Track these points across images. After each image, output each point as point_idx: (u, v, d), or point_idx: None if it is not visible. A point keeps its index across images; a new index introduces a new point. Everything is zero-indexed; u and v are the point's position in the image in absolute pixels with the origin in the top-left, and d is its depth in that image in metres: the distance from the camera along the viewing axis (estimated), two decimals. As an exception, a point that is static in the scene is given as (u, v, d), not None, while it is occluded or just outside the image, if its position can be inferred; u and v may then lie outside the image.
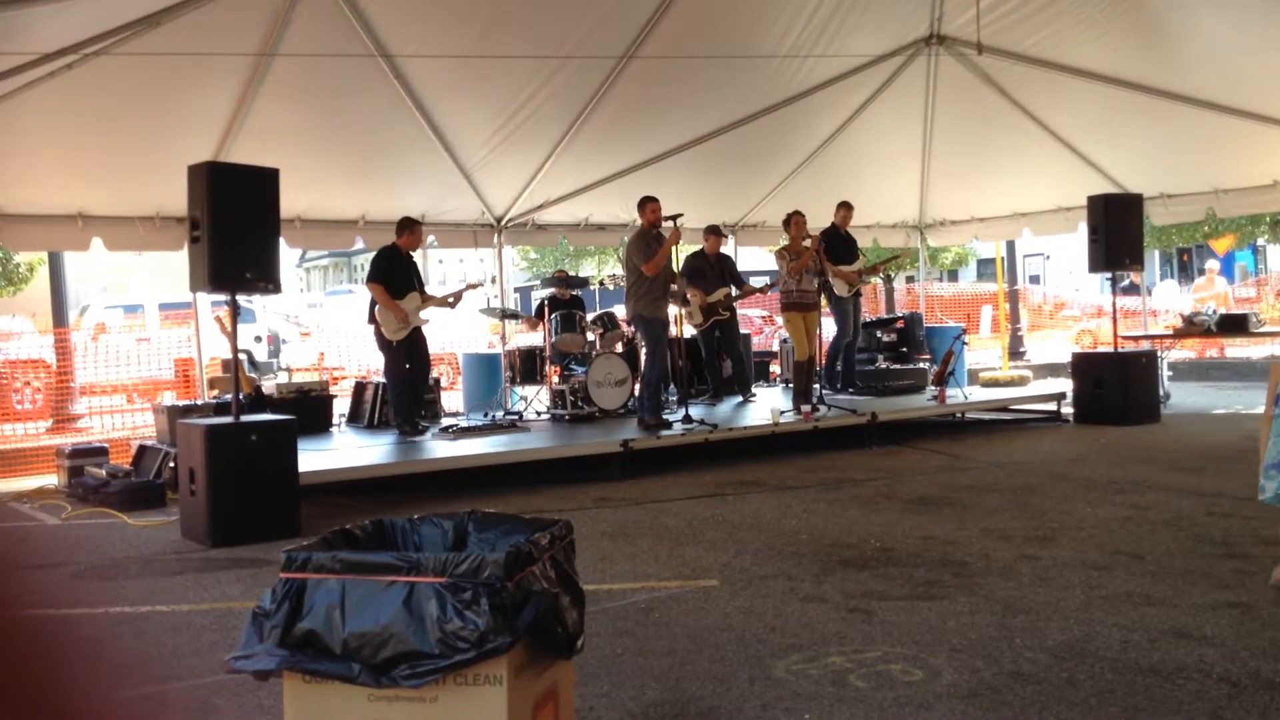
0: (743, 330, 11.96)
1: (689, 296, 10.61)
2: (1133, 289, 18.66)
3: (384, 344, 8.96)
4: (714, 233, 10.96)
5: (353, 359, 17.32)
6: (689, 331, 10.70)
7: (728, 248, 12.65)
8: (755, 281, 11.94)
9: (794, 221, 9.83)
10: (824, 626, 4.10)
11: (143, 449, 8.75)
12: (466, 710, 2.36)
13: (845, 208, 10.92)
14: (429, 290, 9.47)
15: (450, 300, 9.52)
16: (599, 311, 11.19)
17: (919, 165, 12.83)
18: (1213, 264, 21.41)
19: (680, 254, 9.13)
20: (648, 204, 8.91)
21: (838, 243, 10.82)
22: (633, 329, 10.02)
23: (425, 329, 9.22)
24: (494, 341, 15.11)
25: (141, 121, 8.44)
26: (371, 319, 8.99)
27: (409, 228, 9.02)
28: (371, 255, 9.63)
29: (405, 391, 9.13)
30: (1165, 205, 12.07)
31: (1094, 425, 10.18)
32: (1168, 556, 5.00)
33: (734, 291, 11.08)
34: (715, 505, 6.85)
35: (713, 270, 10.98)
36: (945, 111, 11.56)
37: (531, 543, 2.56)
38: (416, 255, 9.62)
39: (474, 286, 10.60)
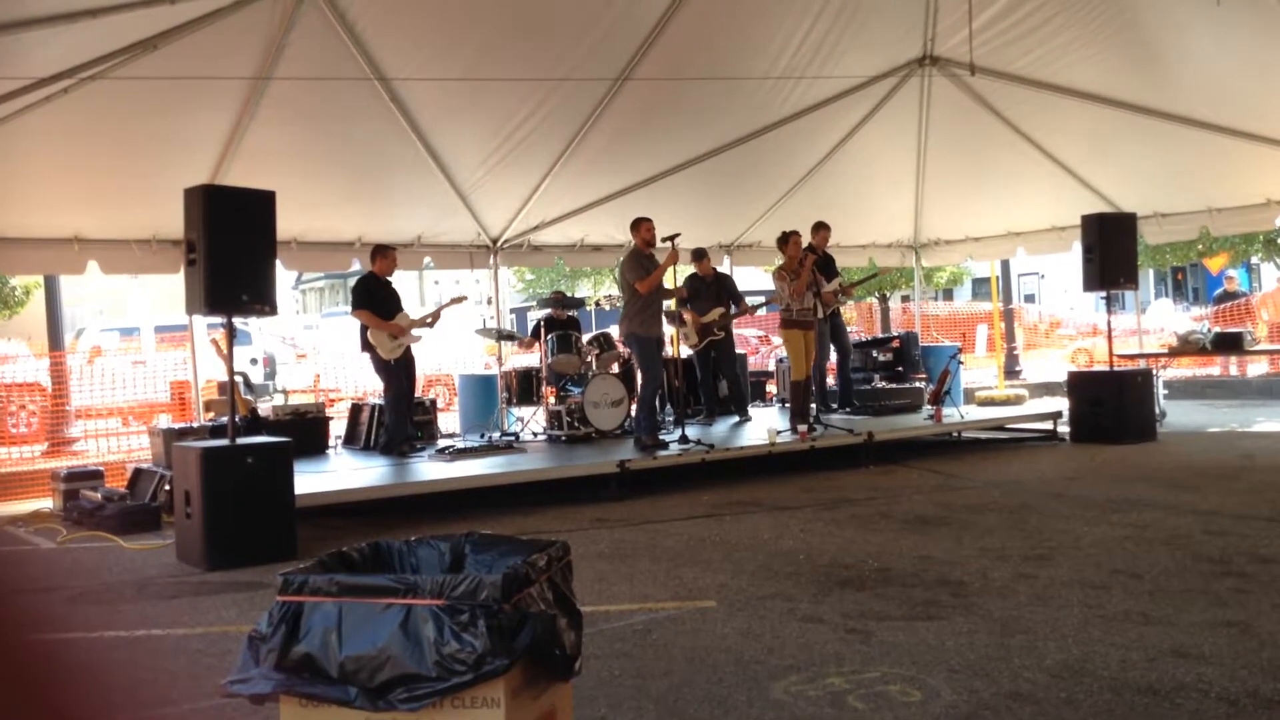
0: (738, 350, 11.96)
1: (685, 317, 10.62)
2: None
3: (382, 366, 9.09)
4: (699, 256, 11.15)
5: (349, 381, 17.31)
6: (684, 352, 10.70)
7: (723, 267, 12.69)
8: (752, 301, 11.96)
9: (792, 241, 9.85)
10: (822, 647, 4.09)
11: (138, 472, 8.73)
12: (464, 733, 2.35)
13: (823, 229, 10.95)
14: (408, 313, 9.55)
15: (429, 320, 9.58)
16: (595, 332, 11.20)
17: (913, 185, 12.89)
18: None
19: (677, 274, 9.14)
20: (641, 224, 8.95)
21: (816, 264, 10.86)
22: (628, 349, 10.03)
23: (417, 348, 9.38)
24: (490, 362, 15.13)
25: (138, 145, 8.47)
26: (365, 346, 9.09)
27: (382, 253, 9.29)
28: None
29: (405, 412, 9.29)
30: (1159, 224, 12.14)
31: (1090, 444, 10.19)
32: (1165, 575, 5.00)
33: (732, 309, 11.10)
34: (712, 526, 6.83)
35: (708, 290, 11.01)
36: (939, 132, 11.62)
37: (529, 564, 2.56)
38: (409, 278, 9.72)
39: (458, 301, 10.59)
